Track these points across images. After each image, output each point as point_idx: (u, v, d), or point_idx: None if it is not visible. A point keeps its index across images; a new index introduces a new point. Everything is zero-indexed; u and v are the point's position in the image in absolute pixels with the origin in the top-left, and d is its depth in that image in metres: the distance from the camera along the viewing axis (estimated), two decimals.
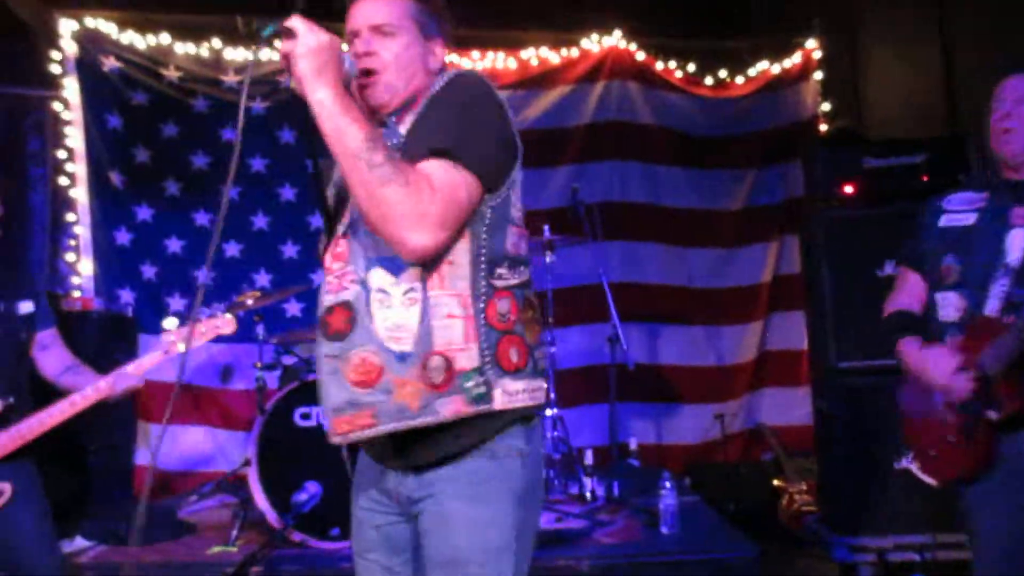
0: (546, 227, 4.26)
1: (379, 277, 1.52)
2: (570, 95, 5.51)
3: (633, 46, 5.56)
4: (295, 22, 1.47)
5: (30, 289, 2.90)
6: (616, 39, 5.53)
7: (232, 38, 5.14)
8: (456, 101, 1.56)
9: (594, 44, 5.54)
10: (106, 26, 5.00)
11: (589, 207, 4.54)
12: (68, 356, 2.91)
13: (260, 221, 5.17)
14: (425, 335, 1.50)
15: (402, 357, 1.50)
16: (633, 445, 4.91)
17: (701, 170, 5.57)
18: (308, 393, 3.78)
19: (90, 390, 2.75)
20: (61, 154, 4.93)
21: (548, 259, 4.31)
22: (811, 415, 4.07)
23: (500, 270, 1.58)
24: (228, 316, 2.93)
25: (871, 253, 3.64)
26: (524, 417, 1.59)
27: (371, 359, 1.50)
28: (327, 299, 1.58)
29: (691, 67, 5.63)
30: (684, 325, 5.43)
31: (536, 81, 5.49)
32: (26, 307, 2.83)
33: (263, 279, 5.11)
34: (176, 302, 4.98)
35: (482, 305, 1.55)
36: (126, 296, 4.91)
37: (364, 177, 1.42)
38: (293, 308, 5.10)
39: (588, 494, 4.16)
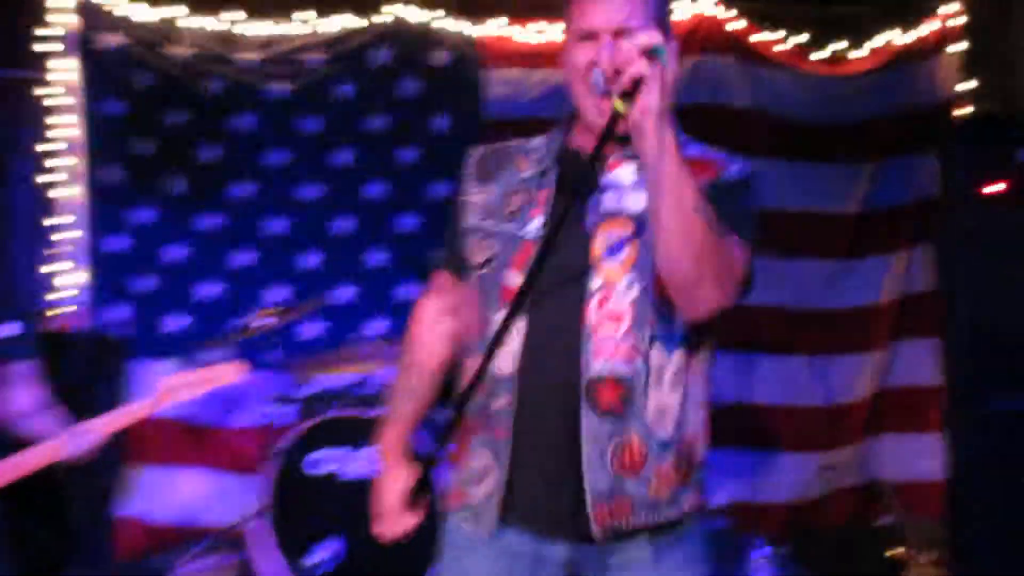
0: None
1: (658, 354, 1.58)
2: None
3: (730, 13, 5.19)
4: (661, 46, 1.44)
5: (11, 310, 2.82)
6: (709, 5, 5.16)
7: (253, 9, 4.93)
8: (749, 201, 1.68)
9: (682, 12, 5.14)
10: None
11: None
12: (36, 396, 2.80)
13: (276, 225, 4.97)
14: (682, 422, 1.61)
15: (664, 445, 1.59)
16: (722, 501, 4.56)
17: (809, 163, 5.21)
18: (329, 432, 3.75)
19: (48, 447, 2.64)
20: (48, 146, 4.77)
21: None
22: (942, 468, 3.76)
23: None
24: (239, 363, 2.92)
25: None
26: None
27: (639, 445, 1.57)
28: (596, 365, 1.56)
29: (800, 38, 5.23)
30: (784, 355, 5.07)
31: None
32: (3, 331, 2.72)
33: (277, 294, 4.88)
34: (175, 322, 4.79)
35: (708, 394, 1.70)
36: (121, 312, 4.75)
37: (701, 233, 1.44)
38: (312, 328, 4.84)
39: None
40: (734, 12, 5.19)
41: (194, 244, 4.90)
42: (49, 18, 4.78)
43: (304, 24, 4.98)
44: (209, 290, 4.86)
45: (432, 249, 1.89)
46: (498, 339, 1.52)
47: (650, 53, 1.41)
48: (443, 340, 1.82)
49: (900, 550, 4.25)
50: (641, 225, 1.58)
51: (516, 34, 5.09)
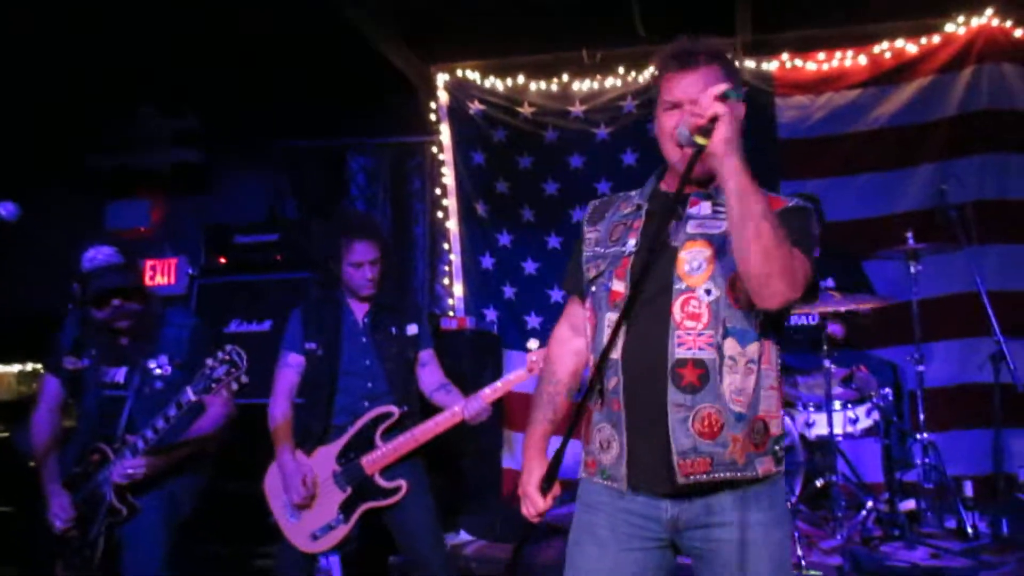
0: (909, 235, 3.83)
1: (731, 346, 1.71)
2: (931, 87, 4.93)
3: (1009, 22, 4.83)
4: (732, 90, 1.61)
5: (416, 313, 3.28)
6: (986, 17, 4.84)
7: (578, 70, 5.35)
8: (809, 225, 1.81)
9: (959, 27, 4.90)
10: (472, 74, 5.49)
11: (961, 208, 4.01)
12: (441, 375, 3.23)
13: None
14: (756, 401, 1.73)
15: (739, 417, 1.71)
16: (1022, 477, 4.21)
17: None
18: None
19: (456, 409, 3.04)
20: (437, 191, 5.52)
21: (913, 269, 3.87)
22: None
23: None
24: None
25: None
26: None
27: (715, 415, 1.70)
28: (679, 352, 1.70)
29: None
30: None
31: (890, 76, 4.99)
32: (413, 329, 3.21)
33: None
34: (532, 320, 5.26)
35: (778, 382, 1.80)
36: (491, 315, 5.31)
37: (769, 234, 1.58)
38: None
39: (969, 530, 3.66)
40: (1010, 22, 4.84)
41: (543, 259, 5.35)
42: (436, 94, 5.50)
43: (618, 78, 5.32)
44: (557, 294, 5.26)
45: None
46: (615, 332, 1.69)
47: (723, 97, 1.59)
48: (573, 356, 1.97)
49: None
50: (718, 246, 1.73)
51: (801, 65, 5.11)
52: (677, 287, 1.72)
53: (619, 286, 1.78)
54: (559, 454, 1.69)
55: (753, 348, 1.72)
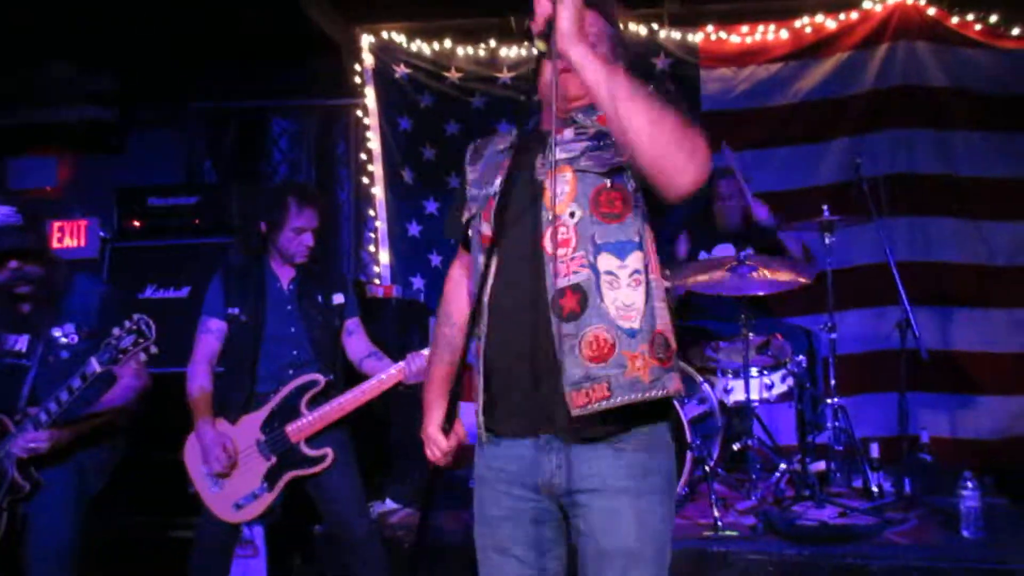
0: (825, 207, 3.97)
1: (607, 261, 1.62)
2: (848, 62, 5.08)
3: (923, 0, 4.99)
4: None
5: (342, 282, 3.23)
6: None
7: (506, 37, 5.31)
8: (679, 94, 1.86)
9: (876, 4, 5.06)
10: (398, 37, 5.38)
11: (873, 182, 4.17)
12: (369, 343, 3.19)
13: None
14: (650, 314, 1.63)
15: (632, 333, 1.61)
16: (925, 439, 4.45)
17: (1008, 133, 4.90)
18: None
19: (393, 370, 3.00)
20: (362, 156, 5.42)
21: (827, 240, 4.01)
22: None
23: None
24: None
25: None
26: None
27: (604, 336, 1.60)
28: (558, 282, 1.63)
29: (993, 18, 4.95)
30: (983, 308, 4.83)
31: (811, 50, 5.13)
32: (339, 299, 3.17)
33: None
34: None
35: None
36: (418, 283, 5.27)
37: (647, 104, 1.47)
38: None
39: (875, 489, 3.86)
40: (924, 0, 5.00)
41: None
42: (361, 56, 5.38)
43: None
44: None
45: None
46: (483, 277, 1.66)
47: None
48: (467, 298, 1.88)
49: None
50: (577, 165, 1.67)
51: (726, 38, 5.19)
52: (546, 218, 1.66)
53: (487, 229, 1.72)
54: (455, 393, 1.67)
55: (635, 258, 1.64)
